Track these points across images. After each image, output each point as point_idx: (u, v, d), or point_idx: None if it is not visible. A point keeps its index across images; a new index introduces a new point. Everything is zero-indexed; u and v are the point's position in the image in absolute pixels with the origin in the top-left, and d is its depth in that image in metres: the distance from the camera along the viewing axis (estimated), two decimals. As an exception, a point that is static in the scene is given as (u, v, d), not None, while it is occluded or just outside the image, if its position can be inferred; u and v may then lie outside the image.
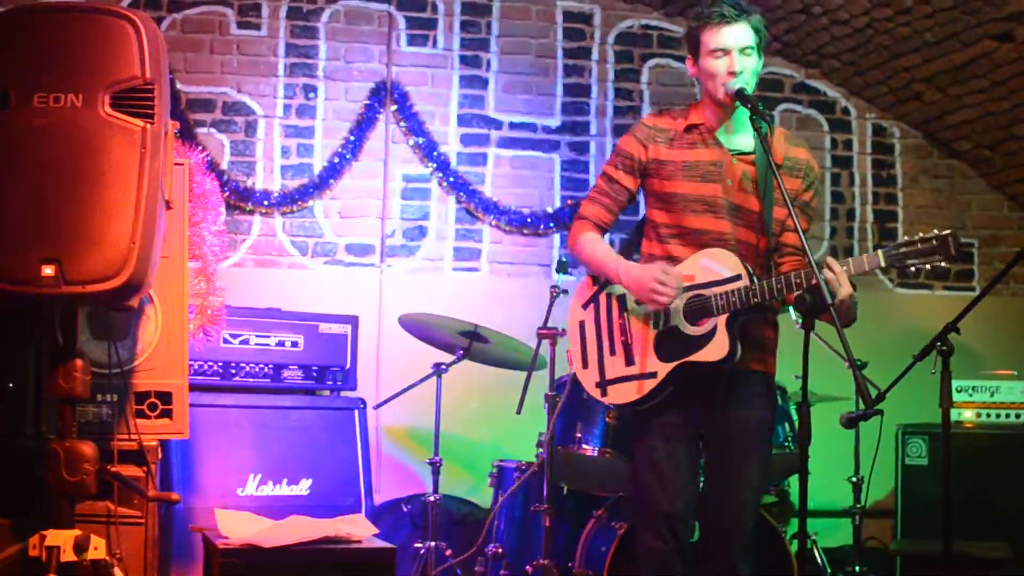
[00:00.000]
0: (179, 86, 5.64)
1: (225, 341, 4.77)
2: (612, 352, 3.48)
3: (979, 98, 5.79)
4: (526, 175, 6.01)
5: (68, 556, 2.83)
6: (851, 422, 3.08)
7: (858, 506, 5.04)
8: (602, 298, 3.55)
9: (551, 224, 5.96)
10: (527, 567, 4.42)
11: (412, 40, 5.93)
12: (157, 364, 3.39)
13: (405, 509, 5.18)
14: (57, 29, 2.82)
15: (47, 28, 2.82)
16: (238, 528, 3.89)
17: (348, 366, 5.05)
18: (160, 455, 3.42)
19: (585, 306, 3.60)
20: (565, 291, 4.63)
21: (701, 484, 3.54)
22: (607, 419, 4.41)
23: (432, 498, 4.74)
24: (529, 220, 5.94)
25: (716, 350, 3.27)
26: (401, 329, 4.91)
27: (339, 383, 5.02)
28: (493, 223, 5.91)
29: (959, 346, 3.59)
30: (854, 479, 5.04)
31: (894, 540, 5.28)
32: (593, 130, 6.09)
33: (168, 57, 2.93)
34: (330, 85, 5.84)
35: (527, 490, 4.63)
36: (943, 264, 3.13)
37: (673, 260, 3.41)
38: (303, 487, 4.69)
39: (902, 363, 3.61)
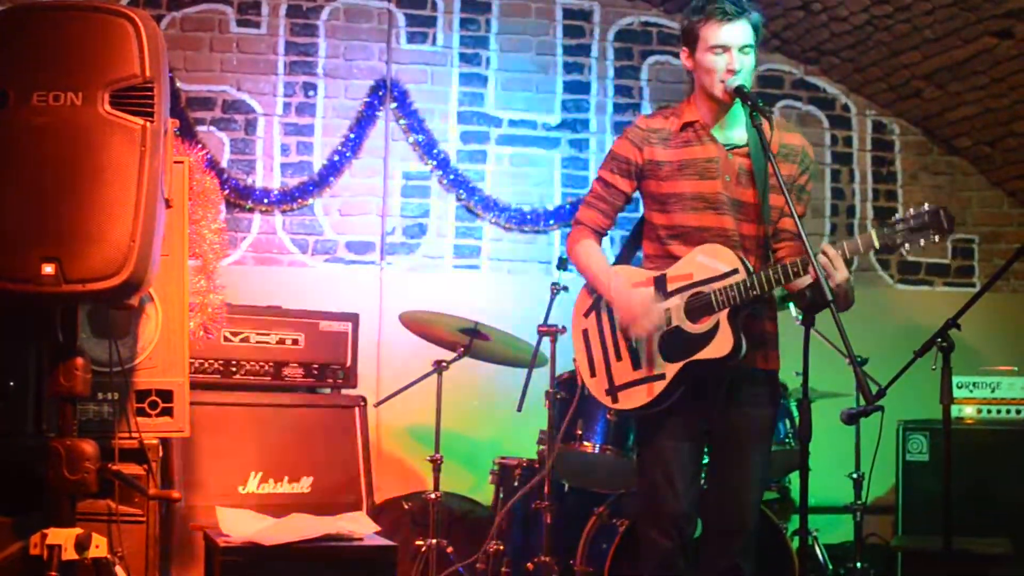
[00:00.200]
0: (179, 84, 5.64)
1: (226, 339, 4.77)
2: (618, 358, 3.47)
3: (979, 95, 5.78)
4: (526, 172, 6.01)
5: (69, 554, 2.83)
6: (852, 418, 3.08)
7: (859, 502, 5.04)
8: (603, 304, 3.55)
9: (551, 221, 5.96)
10: (528, 564, 4.42)
11: (412, 38, 5.93)
12: (158, 362, 3.39)
13: (406, 507, 5.18)
14: (56, 27, 2.81)
15: (46, 26, 2.82)
16: (239, 526, 3.90)
17: (349, 364, 5.05)
18: (161, 453, 3.42)
19: (587, 314, 3.59)
20: (565, 288, 4.64)
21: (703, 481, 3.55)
22: (608, 416, 4.41)
23: (433, 496, 4.73)
24: (529, 217, 5.94)
25: (721, 346, 3.26)
26: (401, 326, 4.91)
27: (340, 381, 5.02)
28: (493, 220, 5.91)
29: (960, 342, 3.59)
30: (855, 475, 5.04)
31: (895, 536, 5.28)
32: (593, 127, 6.09)
33: (168, 55, 2.92)
34: (330, 83, 5.84)
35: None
36: (936, 239, 3.11)
37: (672, 259, 3.41)
38: (304, 485, 4.69)
39: (903, 359, 3.61)
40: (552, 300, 4.61)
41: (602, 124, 6.10)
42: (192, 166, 3.89)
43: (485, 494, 5.28)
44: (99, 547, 2.90)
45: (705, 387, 3.37)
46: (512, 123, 6.01)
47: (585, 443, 4.41)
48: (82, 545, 2.85)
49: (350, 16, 5.88)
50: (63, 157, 2.74)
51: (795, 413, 4.48)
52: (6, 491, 3.14)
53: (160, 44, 2.85)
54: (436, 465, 4.77)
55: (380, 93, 5.85)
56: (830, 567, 4.91)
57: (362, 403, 4.96)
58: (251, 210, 5.70)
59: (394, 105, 5.85)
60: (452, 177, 5.87)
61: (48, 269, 2.71)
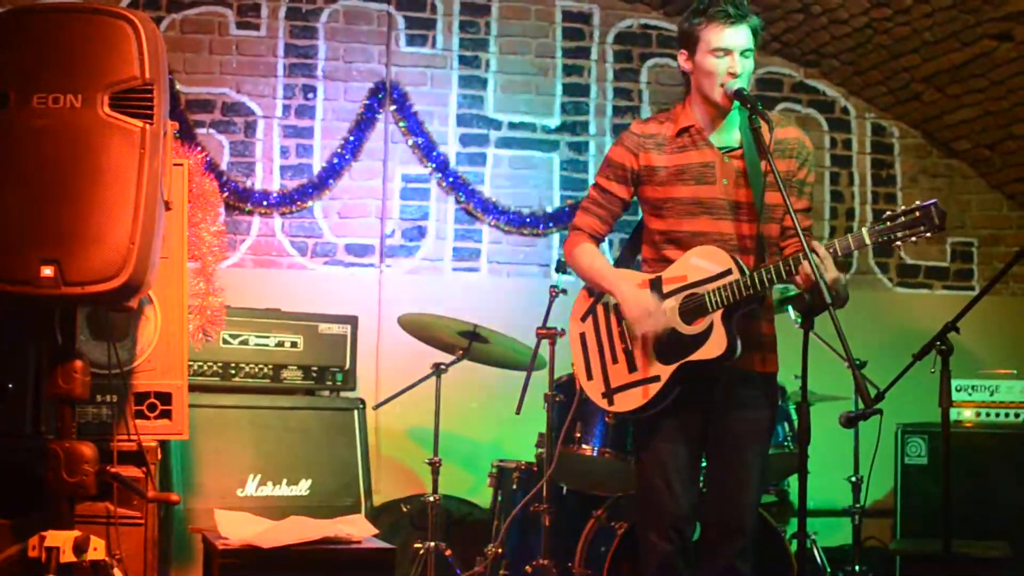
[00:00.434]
0: (178, 87, 5.64)
1: (224, 341, 4.76)
2: (614, 360, 3.47)
3: (978, 97, 5.79)
4: (525, 175, 6.01)
5: (68, 557, 2.83)
6: (851, 421, 3.08)
7: (857, 505, 5.05)
8: (599, 309, 3.55)
9: (550, 224, 5.97)
10: (527, 567, 4.42)
11: (411, 40, 5.93)
12: (156, 365, 3.39)
13: (405, 509, 5.18)
14: (56, 29, 2.82)
15: (46, 28, 2.82)
16: (237, 529, 3.89)
17: (347, 366, 5.05)
18: (159, 456, 3.42)
19: (583, 318, 3.59)
20: (564, 291, 4.64)
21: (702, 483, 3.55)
22: (606, 419, 4.41)
23: (432, 498, 4.73)
24: (528, 220, 5.94)
25: (715, 346, 3.27)
26: (400, 329, 4.91)
27: (338, 383, 5.02)
28: (492, 223, 5.91)
29: (958, 345, 3.59)
30: (853, 479, 5.04)
31: (893, 539, 5.28)
32: (592, 130, 6.10)
33: (167, 57, 2.93)
34: (329, 85, 5.84)
35: (527, 490, 4.62)
36: (928, 235, 3.11)
37: (669, 264, 3.41)
38: (302, 488, 4.69)
39: (901, 362, 3.62)
40: (551, 303, 4.61)
41: (601, 127, 6.10)
42: (191, 168, 3.89)
43: (484, 497, 5.28)
44: (97, 549, 2.90)
45: (702, 389, 3.37)
46: (511, 126, 6.01)
47: (584, 446, 4.40)
48: (80, 547, 2.85)
49: (350, 18, 5.88)
50: (63, 159, 2.75)
51: (794, 416, 4.48)
52: (5, 493, 3.15)
53: (160, 46, 2.85)
54: (435, 468, 4.77)
55: (379, 95, 5.85)
56: (829, 570, 4.90)
57: (361, 406, 4.96)
58: (250, 212, 5.70)
59: (393, 107, 5.85)
60: (451, 180, 5.87)
61: (47, 271, 2.71)
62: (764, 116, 3.24)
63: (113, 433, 3.27)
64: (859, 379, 3.01)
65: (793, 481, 4.85)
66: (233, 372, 4.82)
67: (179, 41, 5.66)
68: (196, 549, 4.30)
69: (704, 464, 3.53)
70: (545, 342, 4.53)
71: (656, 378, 3.35)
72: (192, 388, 3.67)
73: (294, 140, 5.79)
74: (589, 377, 3.54)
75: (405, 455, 5.65)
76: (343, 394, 5.06)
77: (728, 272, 3.27)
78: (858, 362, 4.48)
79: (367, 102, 5.83)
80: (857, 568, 5.00)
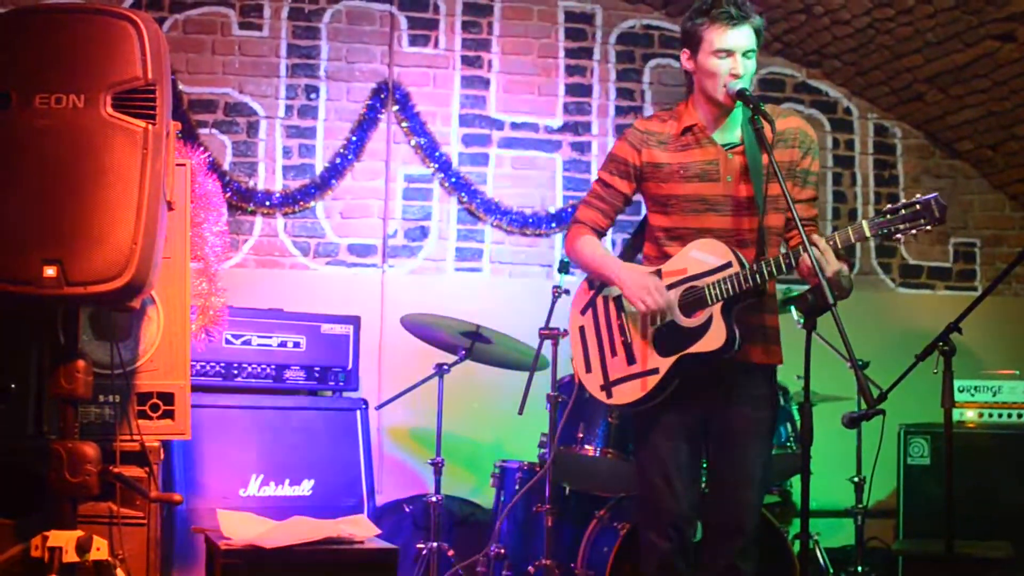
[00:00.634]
0: (181, 87, 5.64)
1: (227, 342, 4.77)
2: (613, 353, 3.48)
3: (981, 98, 5.78)
4: (528, 175, 6.01)
5: (70, 557, 2.83)
6: (853, 422, 3.08)
7: (860, 506, 5.04)
8: (599, 301, 3.55)
9: (553, 224, 5.96)
10: (529, 568, 4.42)
11: (414, 40, 5.93)
12: (159, 365, 3.39)
13: (407, 510, 5.18)
14: (58, 30, 2.82)
15: (48, 29, 2.82)
16: (240, 529, 3.89)
17: (350, 367, 5.05)
18: (162, 456, 3.42)
19: (583, 311, 3.60)
20: (567, 291, 4.63)
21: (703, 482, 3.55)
22: (609, 419, 4.41)
23: (434, 499, 4.74)
24: (531, 220, 5.94)
25: (714, 339, 3.27)
26: (403, 329, 4.91)
27: (341, 384, 5.02)
28: (495, 223, 5.91)
29: (961, 346, 3.59)
30: (856, 479, 5.04)
31: (896, 540, 5.28)
32: (595, 130, 6.09)
33: (170, 58, 2.93)
34: (332, 85, 5.84)
35: (529, 491, 4.63)
36: (928, 228, 3.10)
37: (668, 259, 3.41)
38: (305, 488, 4.69)
39: (904, 363, 3.61)
40: (554, 303, 4.61)
41: (604, 127, 6.10)
42: (194, 169, 3.89)
43: (486, 497, 5.28)
44: (100, 549, 2.91)
45: (701, 383, 3.37)
46: (514, 126, 6.01)
47: (586, 446, 4.40)
48: (83, 547, 2.86)
49: (352, 19, 5.88)
50: (65, 159, 2.75)
51: (796, 417, 4.48)
52: (7, 493, 3.15)
53: (162, 46, 2.85)
54: (437, 468, 4.78)
55: (382, 96, 5.85)
56: (831, 571, 4.90)
57: (363, 406, 4.96)
58: (253, 213, 5.70)
59: (396, 108, 5.85)
60: (454, 180, 5.87)
61: (50, 271, 2.71)
62: (766, 117, 3.24)
63: (116, 433, 3.27)
64: (862, 379, 3.01)
65: (796, 481, 4.85)
66: (236, 372, 4.83)
67: (182, 41, 5.67)
68: (199, 549, 4.31)
69: (705, 463, 3.53)
70: (548, 342, 4.53)
71: (655, 370, 3.36)
72: (195, 388, 3.68)
73: (297, 140, 5.79)
74: (588, 370, 3.54)
75: (407, 455, 5.65)
76: (345, 394, 5.07)
77: (728, 265, 3.27)
78: (861, 362, 4.48)
79: (370, 102, 5.83)
80: (860, 569, 5.00)
